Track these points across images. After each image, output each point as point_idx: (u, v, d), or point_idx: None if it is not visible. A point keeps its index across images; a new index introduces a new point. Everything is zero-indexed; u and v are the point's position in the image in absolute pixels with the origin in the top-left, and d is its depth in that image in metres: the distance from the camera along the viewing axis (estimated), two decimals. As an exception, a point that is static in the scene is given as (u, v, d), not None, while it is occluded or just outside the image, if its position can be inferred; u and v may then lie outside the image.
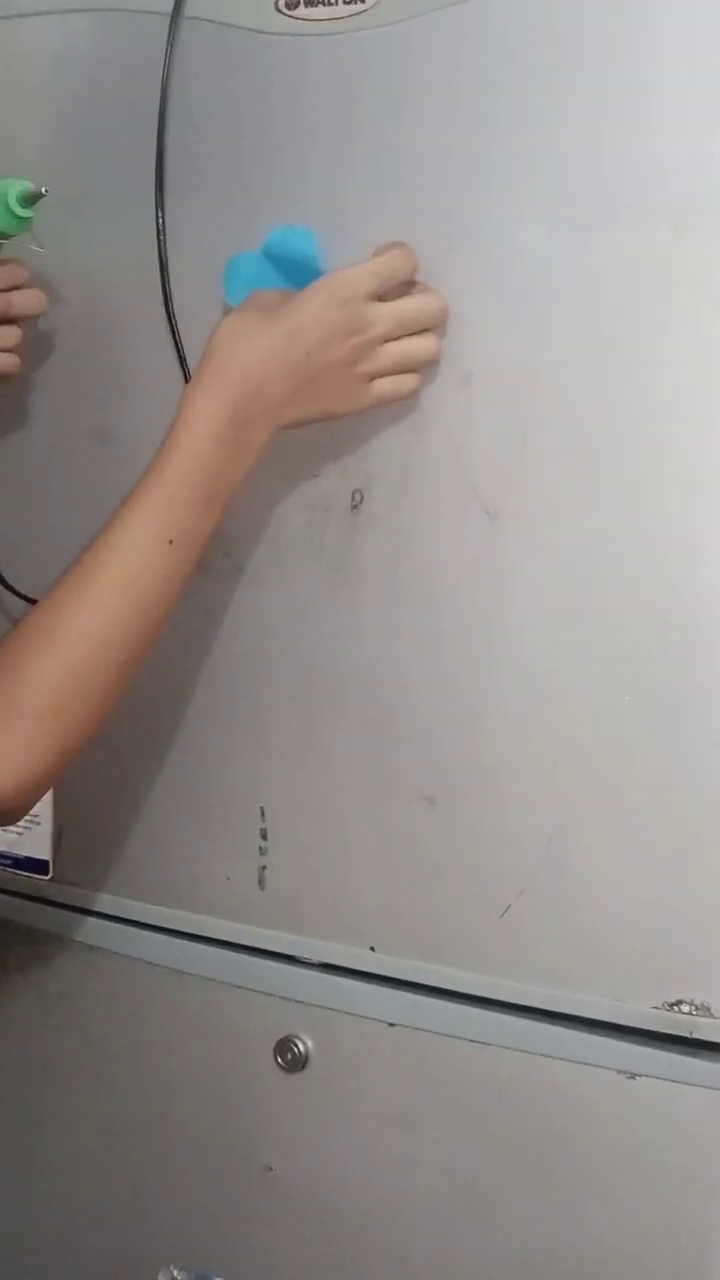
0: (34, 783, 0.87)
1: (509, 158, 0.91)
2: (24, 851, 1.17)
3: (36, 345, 1.10)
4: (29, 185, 0.99)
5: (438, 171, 0.93)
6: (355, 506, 0.99)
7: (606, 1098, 0.92)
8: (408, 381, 0.94)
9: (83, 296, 1.08)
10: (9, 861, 1.18)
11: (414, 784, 0.98)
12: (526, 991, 0.95)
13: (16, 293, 1.05)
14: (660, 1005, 0.90)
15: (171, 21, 1.01)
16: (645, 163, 0.86)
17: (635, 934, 0.91)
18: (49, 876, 1.16)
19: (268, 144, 0.99)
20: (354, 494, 0.99)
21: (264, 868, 1.05)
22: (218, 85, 1.01)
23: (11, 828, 1.15)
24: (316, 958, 1.04)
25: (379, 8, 0.94)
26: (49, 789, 0.91)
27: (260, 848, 1.05)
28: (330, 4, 0.96)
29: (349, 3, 0.95)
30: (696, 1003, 0.89)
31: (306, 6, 0.96)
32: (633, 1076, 0.91)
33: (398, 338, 0.92)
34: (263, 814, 1.05)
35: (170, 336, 1.03)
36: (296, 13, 0.97)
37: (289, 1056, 1.04)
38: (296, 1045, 1.03)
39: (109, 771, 1.11)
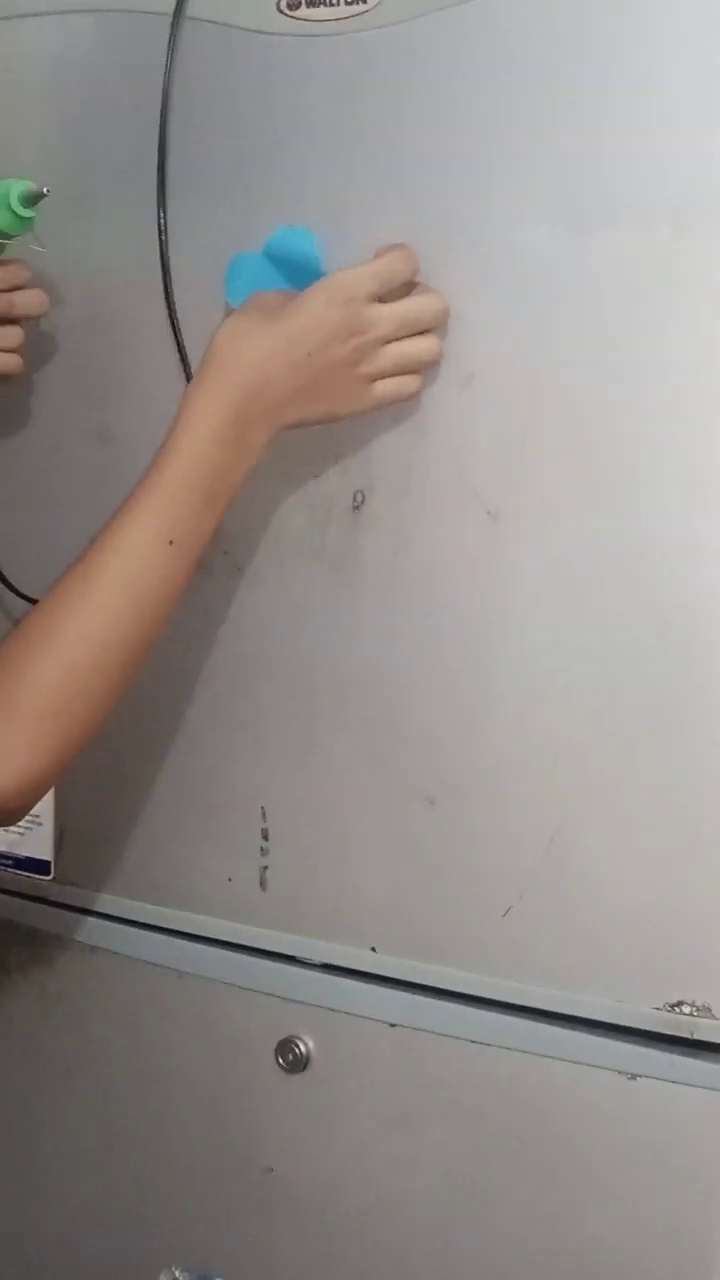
0: (34, 783, 0.87)
1: (510, 158, 0.91)
2: (25, 852, 1.17)
3: (38, 345, 1.10)
4: (30, 185, 0.99)
5: (438, 172, 0.93)
6: (356, 507, 0.99)
7: (607, 1098, 0.92)
8: (409, 382, 0.94)
9: (84, 297, 1.08)
10: (10, 862, 1.18)
11: (415, 784, 0.98)
12: (527, 992, 0.95)
13: (18, 293, 1.05)
14: (661, 1006, 0.90)
15: (173, 22, 1.01)
16: (645, 163, 0.86)
17: (636, 935, 0.91)
18: (50, 877, 1.16)
19: (269, 144, 0.99)
20: (355, 494, 0.99)
21: (265, 868, 1.05)
22: (219, 86, 1.01)
23: (13, 828, 1.16)
24: (318, 958, 1.04)
25: (380, 8, 0.94)
26: (49, 789, 0.91)
27: (261, 848, 1.05)
28: (331, 4, 0.96)
29: (350, 3, 0.95)
30: (697, 1004, 0.89)
31: (308, 7, 0.96)
32: (633, 1077, 0.91)
33: (399, 339, 0.92)
34: (264, 814, 1.05)
35: (171, 337, 1.03)
36: (298, 13, 0.97)
37: (290, 1057, 1.04)
38: (297, 1046, 1.03)
39: (110, 772, 1.11)
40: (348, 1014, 1.02)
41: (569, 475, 0.90)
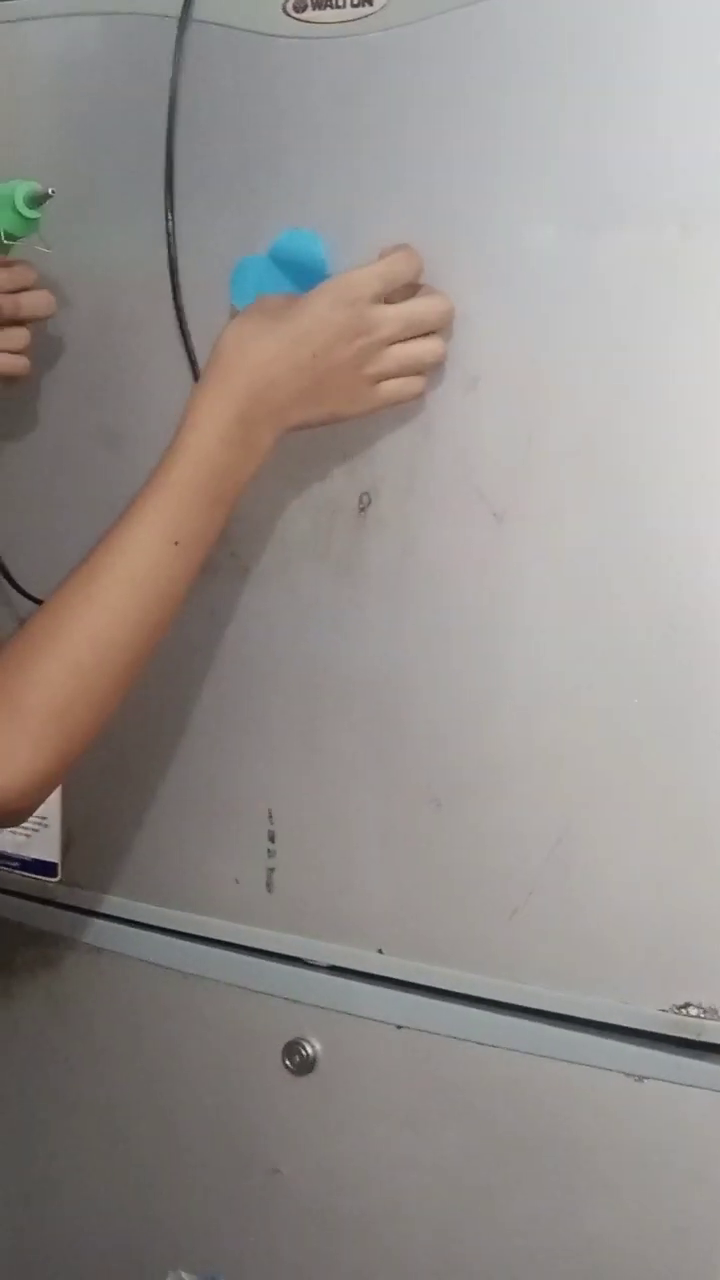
0: (38, 783, 0.87)
1: (516, 159, 0.91)
2: (32, 854, 1.17)
3: (45, 347, 1.10)
4: (36, 186, 0.99)
5: (444, 173, 0.93)
6: (362, 508, 0.99)
7: (614, 1100, 0.91)
8: (414, 383, 0.94)
9: (91, 299, 1.09)
10: (17, 864, 1.18)
11: (421, 786, 0.98)
12: (534, 994, 0.95)
13: (25, 294, 1.05)
14: (668, 1008, 0.90)
15: (179, 24, 1.01)
16: (652, 163, 0.86)
17: (642, 937, 0.91)
18: (57, 879, 1.17)
19: (275, 146, 0.99)
20: (361, 496, 0.99)
21: (271, 870, 1.05)
22: (225, 88, 1.01)
23: (20, 830, 1.16)
24: (324, 960, 1.04)
25: (387, 10, 0.94)
26: (53, 789, 0.91)
27: (268, 850, 1.05)
28: (338, 7, 0.96)
29: (357, 5, 0.95)
30: (704, 1006, 0.89)
31: (314, 9, 0.96)
32: (640, 1079, 0.91)
33: (404, 340, 0.92)
34: (270, 816, 1.05)
35: (178, 338, 1.03)
36: (304, 16, 0.97)
37: (297, 1059, 1.03)
38: (304, 1047, 1.03)
39: (117, 774, 1.11)
40: (354, 1016, 1.02)
41: (574, 477, 0.90)
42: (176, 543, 0.90)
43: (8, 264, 1.05)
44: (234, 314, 0.96)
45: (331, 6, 0.96)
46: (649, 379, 0.88)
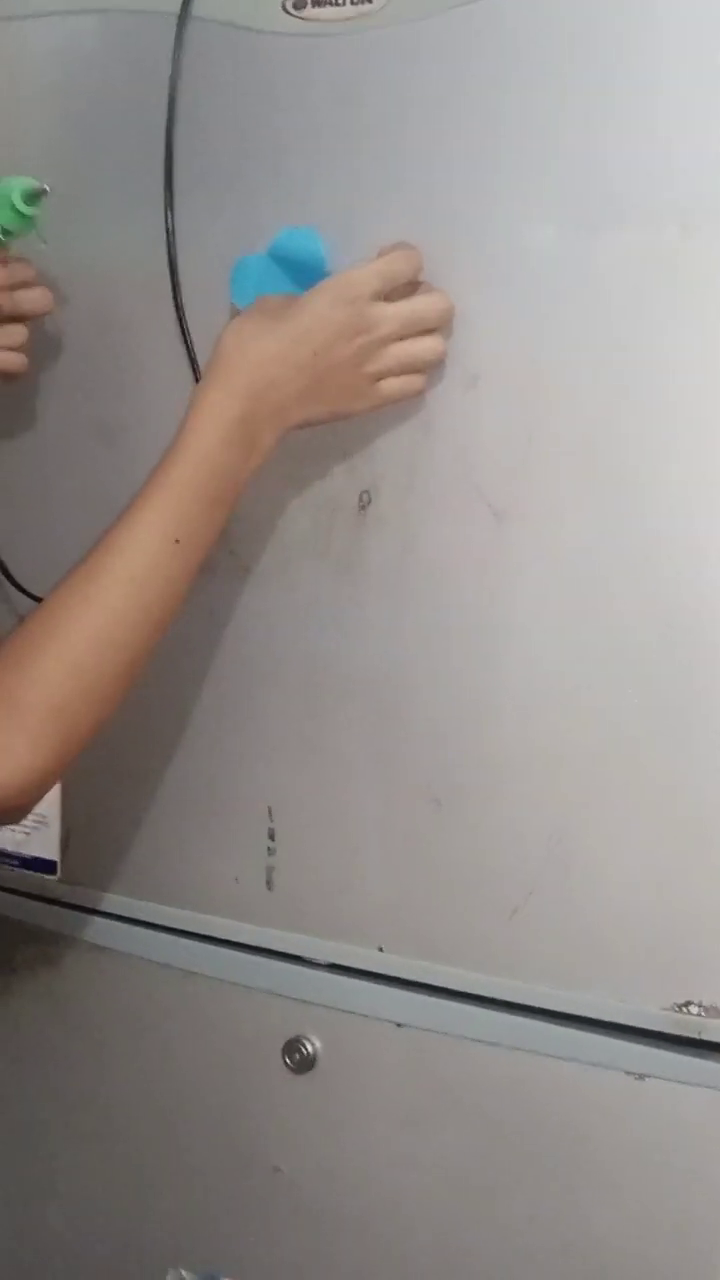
0: (36, 781, 0.87)
1: (516, 158, 0.90)
2: (32, 852, 1.17)
3: (43, 344, 1.10)
4: (33, 183, 0.99)
5: (444, 172, 0.93)
6: (362, 507, 0.99)
7: (614, 1099, 0.92)
8: (414, 382, 0.94)
9: (90, 296, 1.08)
10: (17, 861, 1.18)
11: (420, 784, 0.98)
12: (534, 992, 0.95)
13: (23, 291, 1.05)
14: (668, 1006, 0.90)
15: (179, 22, 1.01)
16: (652, 163, 0.86)
17: (643, 935, 0.91)
18: (57, 877, 1.17)
19: (274, 144, 0.99)
20: (361, 494, 0.99)
21: (271, 868, 1.05)
22: (225, 85, 1.01)
23: (19, 828, 1.16)
24: (324, 958, 1.04)
25: (386, 8, 0.94)
26: (51, 788, 0.91)
27: (268, 848, 1.05)
28: (338, 4, 0.95)
29: (356, 3, 0.95)
30: (705, 1004, 0.89)
31: (314, 7, 0.96)
32: (641, 1078, 0.91)
33: (404, 338, 0.92)
34: (270, 814, 1.05)
35: (178, 336, 1.03)
36: (304, 13, 0.97)
37: (297, 1057, 1.04)
38: (304, 1046, 1.03)
39: (117, 772, 1.11)
40: (354, 1014, 1.02)
41: (574, 475, 0.90)
42: (177, 541, 0.90)
43: (5, 260, 1.04)
44: (234, 312, 0.96)
45: (331, 4, 0.96)
46: (649, 379, 0.88)
